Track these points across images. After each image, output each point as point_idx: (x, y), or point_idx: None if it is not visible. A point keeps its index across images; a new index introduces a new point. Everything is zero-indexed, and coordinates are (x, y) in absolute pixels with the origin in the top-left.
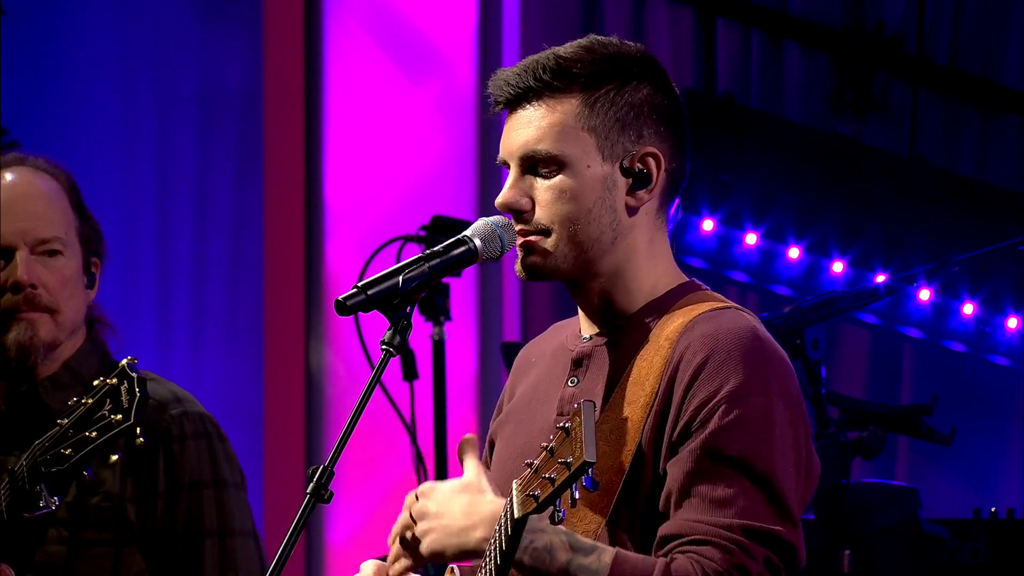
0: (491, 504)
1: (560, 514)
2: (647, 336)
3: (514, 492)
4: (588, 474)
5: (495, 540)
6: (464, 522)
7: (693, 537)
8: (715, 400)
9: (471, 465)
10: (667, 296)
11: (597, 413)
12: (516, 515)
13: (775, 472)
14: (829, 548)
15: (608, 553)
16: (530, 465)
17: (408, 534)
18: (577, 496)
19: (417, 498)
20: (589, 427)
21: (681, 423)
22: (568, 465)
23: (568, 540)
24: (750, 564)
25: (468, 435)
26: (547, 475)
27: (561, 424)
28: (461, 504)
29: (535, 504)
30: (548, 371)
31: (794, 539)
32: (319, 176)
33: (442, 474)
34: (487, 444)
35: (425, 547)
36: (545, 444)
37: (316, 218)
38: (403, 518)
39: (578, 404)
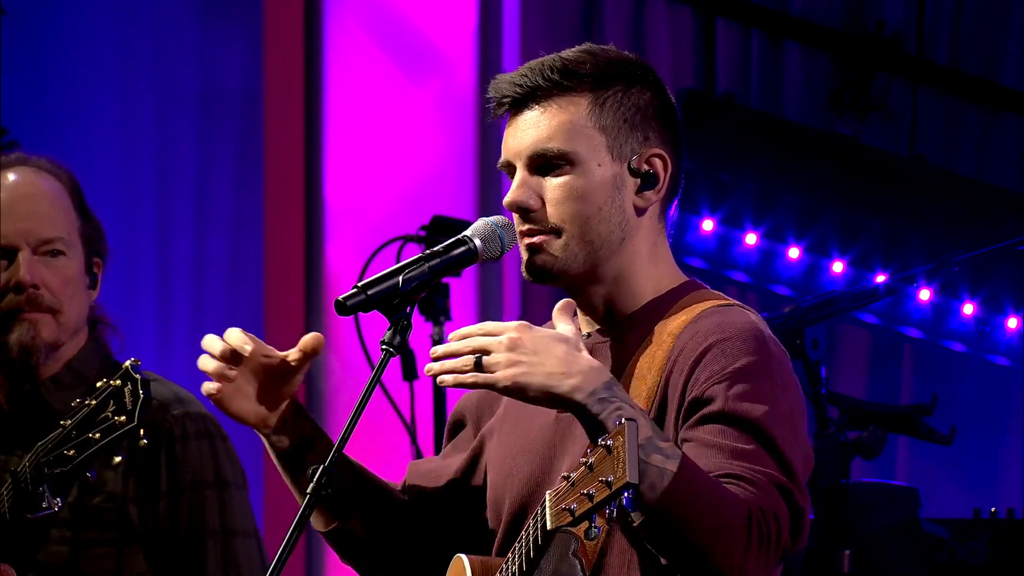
0: (590, 361)
1: (596, 530)
2: (649, 333)
3: (548, 503)
4: (629, 495)
5: (522, 545)
6: (560, 368)
7: (731, 472)
8: (723, 374)
9: (566, 327)
10: (669, 295)
11: None
12: (549, 526)
13: (784, 444)
14: (829, 548)
15: (676, 449)
16: (567, 478)
17: (486, 358)
18: (615, 514)
19: (501, 331)
20: (632, 448)
21: (688, 398)
22: (609, 484)
23: (648, 419)
24: (780, 510)
25: (566, 299)
26: (585, 491)
27: (603, 442)
28: (560, 351)
29: (571, 518)
30: None
31: (804, 503)
32: (319, 176)
33: None
34: (453, 419)
35: (508, 376)
36: (584, 459)
37: (316, 218)
38: (481, 340)
39: (621, 423)
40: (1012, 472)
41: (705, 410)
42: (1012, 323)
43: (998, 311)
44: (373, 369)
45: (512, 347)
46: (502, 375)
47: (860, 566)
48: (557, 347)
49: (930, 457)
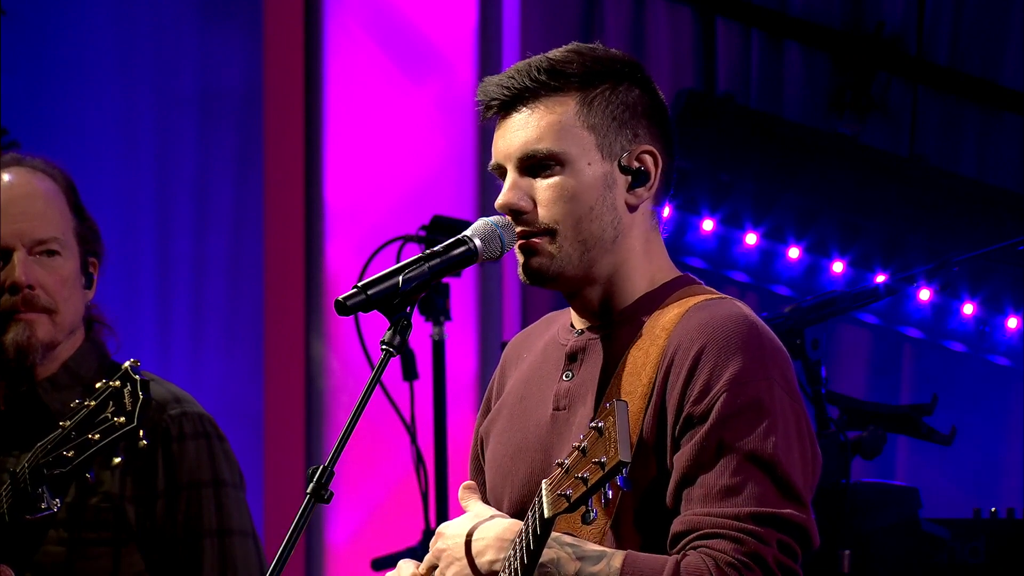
0: (493, 526)
1: (592, 514)
2: (641, 328)
3: (544, 491)
4: (623, 474)
5: (521, 539)
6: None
7: (703, 531)
8: (715, 389)
9: (473, 505)
10: (661, 289)
11: (592, 405)
12: (547, 514)
13: (779, 456)
14: (829, 548)
15: (618, 557)
16: (561, 465)
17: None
18: (611, 496)
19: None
20: (623, 427)
21: (683, 416)
22: (602, 465)
23: (574, 551)
24: (763, 550)
25: (467, 482)
26: (580, 475)
27: (594, 424)
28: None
29: (567, 503)
30: (540, 366)
31: (805, 520)
32: (319, 176)
33: (442, 474)
34: (477, 442)
35: None
36: (577, 444)
37: (316, 218)
38: (428, 559)
39: (610, 404)
40: (1012, 472)
41: (698, 433)
42: (1012, 323)
43: (998, 311)
44: (373, 369)
45: (436, 559)
46: None
47: (860, 566)
48: (464, 536)
49: (930, 457)
